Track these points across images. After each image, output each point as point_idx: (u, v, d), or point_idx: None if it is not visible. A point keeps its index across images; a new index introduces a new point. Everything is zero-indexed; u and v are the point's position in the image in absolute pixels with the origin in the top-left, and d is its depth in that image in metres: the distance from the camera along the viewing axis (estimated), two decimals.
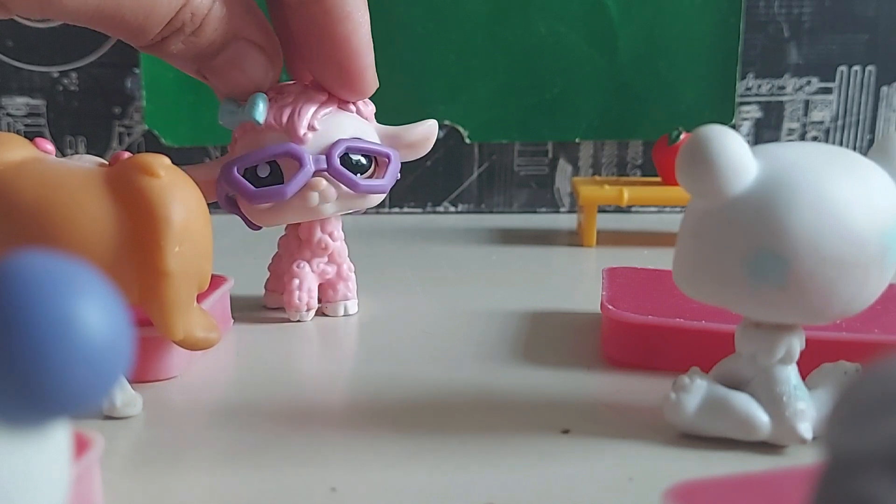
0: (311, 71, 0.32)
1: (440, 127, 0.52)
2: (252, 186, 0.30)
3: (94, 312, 0.12)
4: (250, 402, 0.26)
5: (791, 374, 0.22)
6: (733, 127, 0.37)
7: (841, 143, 0.53)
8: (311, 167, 0.30)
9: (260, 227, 0.33)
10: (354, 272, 0.34)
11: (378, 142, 0.32)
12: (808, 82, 0.52)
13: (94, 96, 0.52)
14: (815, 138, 0.53)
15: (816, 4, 0.51)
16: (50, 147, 0.25)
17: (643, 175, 0.53)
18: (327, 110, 0.31)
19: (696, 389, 0.23)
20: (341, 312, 0.34)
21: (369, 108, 0.33)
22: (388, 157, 0.32)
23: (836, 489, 0.11)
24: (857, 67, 0.52)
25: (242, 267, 0.35)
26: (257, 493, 0.21)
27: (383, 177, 0.32)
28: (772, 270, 0.20)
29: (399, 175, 0.33)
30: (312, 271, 0.33)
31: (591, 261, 0.43)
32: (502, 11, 0.51)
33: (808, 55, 0.52)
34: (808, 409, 0.22)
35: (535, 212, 0.54)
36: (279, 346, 0.31)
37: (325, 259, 0.33)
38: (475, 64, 0.51)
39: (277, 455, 0.23)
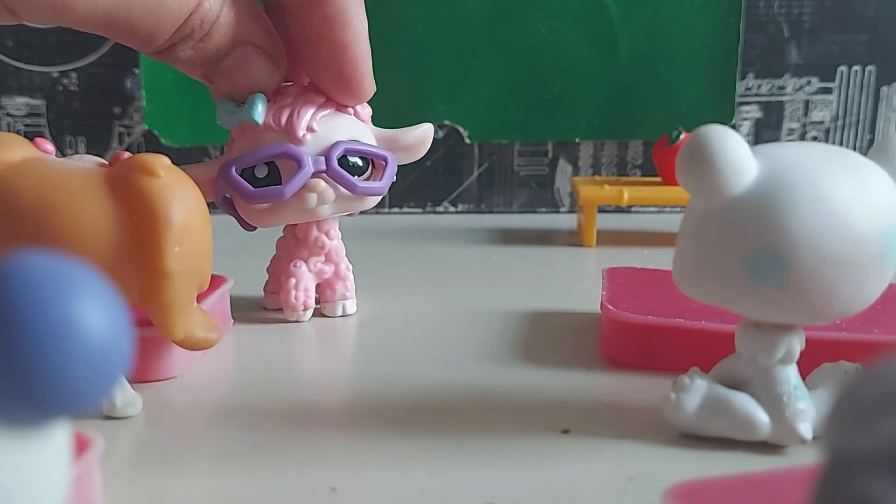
0: (309, 74, 0.32)
1: (440, 127, 0.52)
2: (250, 186, 0.30)
3: (94, 312, 0.12)
4: (250, 402, 0.26)
5: (791, 374, 0.22)
6: (733, 127, 0.37)
7: (841, 143, 0.53)
8: (310, 168, 0.30)
9: (255, 228, 0.32)
10: (353, 272, 0.34)
11: (375, 144, 0.32)
12: (808, 82, 0.52)
13: (94, 96, 0.52)
14: (815, 138, 0.53)
15: (816, 4, 0.51)
16: (50, 147, 0.25)
17: (643, 175, 0.53)
18: (326, 112, 0.31)
19: (696, 389, 0.23)
20: (339, 312, 0.34)
21: (366, 111, 0.33)
22: (385, 159, 0.32)
23: (836, 489, 0.11)
24: (857, 67, 0.52)
25: (242, 267, 0.35)
26: (257, 493, 0.21)
27: (381, 179, 0.32)
28: (772, 270, 0.20)
29: (395, 178, 0.33)
30: (310, 270, 0.33)
31: (591, 261, 0.43)
32: (502, 11, 0.51)
33: (808, 55, 0.52)
34: (808, 409, 0.22)
35: (535, 212, 0.54)
36: (279, 347, 0.31)
37: (323, 258, 0.33)
38: (475, 64, 0.51)
39: (277, 455, 0.23)
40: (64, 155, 0.26)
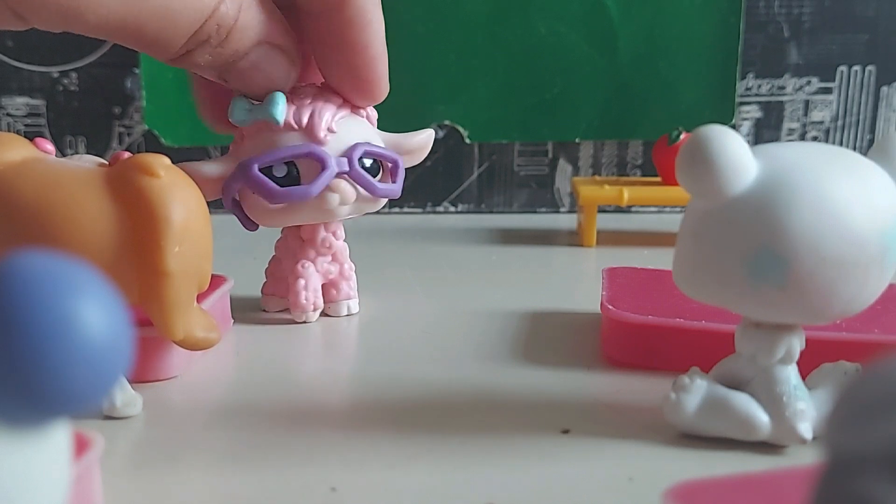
0: (324, 75, 0.32)
1: (440, 127, 0.52)
2: (276, 185, 0.30)
3: (94, 312, 0.12)
4: (250, 402, 0.26)
5: (791, 374, 0.22)
6: (733, 127, 0.37)
7: (841, 143, 0.53)
8: (334, 169, 0.30)
9: (256, 228, 0.32)
10: (355, 272, 0.34)
11: (384, 146, 0.32)
12: (808, 82, 0.52)
13: (94, 96, 0.52)
14: (815, 138, 0.53)
15: (816, 4, 0.51)
16: (50, 147, 0.25)
17: (643, 175, 0.53)
18: (343, 113, 0.31)
19: (696, 389, 0.23)
20: (344, 312, 0.34)
21: (374, 115, 0.33)
22: (395, 162, 0.32)
23: (836, 489, 0.11)
24: (857, 67, 0.52)
25: (242, 267, 0.35)
26: (257, 493, 0.21)
27: (394, 181, 0.32)
28: (772, 270, 0.20)
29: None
30: (317, 271, 0.33)
31: (591, 261, 0.43)
32: (502, 11, 0.51)
33: (808, 55, 0.52)
34: (808, 409, 0.22)
35: (535, 212, 0.54)
36: (279, 346, 0.31)
37: (329, 258, 0.33)
38: (475, 64, 0.51)
39: (277, 455, 0.23)
40: (64, 155, 0.26)
